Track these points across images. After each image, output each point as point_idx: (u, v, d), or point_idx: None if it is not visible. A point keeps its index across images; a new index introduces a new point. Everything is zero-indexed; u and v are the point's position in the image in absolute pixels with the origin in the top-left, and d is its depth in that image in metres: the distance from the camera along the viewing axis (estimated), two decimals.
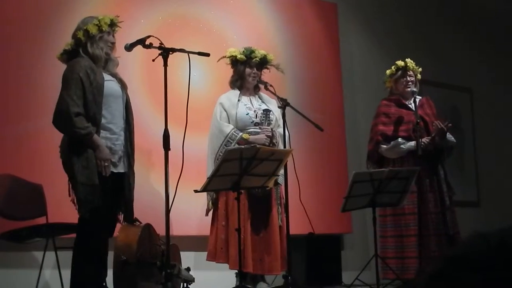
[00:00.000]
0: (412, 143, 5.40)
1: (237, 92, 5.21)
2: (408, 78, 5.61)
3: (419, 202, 5.33)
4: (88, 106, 4.02)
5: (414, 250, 5.34)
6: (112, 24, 4.30)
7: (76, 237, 4.16)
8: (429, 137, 5.38)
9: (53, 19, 5.28)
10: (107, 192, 4.06)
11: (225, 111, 5.12)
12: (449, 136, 5.53)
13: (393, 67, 5.69)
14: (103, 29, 4.21)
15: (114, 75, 4.30)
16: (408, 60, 5.65)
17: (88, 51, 4.17)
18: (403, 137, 5.46)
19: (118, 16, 4.38)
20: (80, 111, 3.97)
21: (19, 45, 5.14)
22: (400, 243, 5.40)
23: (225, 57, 5.24)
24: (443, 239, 5.33)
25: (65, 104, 3.98)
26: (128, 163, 4.30)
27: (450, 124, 5.45)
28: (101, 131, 4.09)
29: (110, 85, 4.19)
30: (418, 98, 5.65)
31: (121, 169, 4.22)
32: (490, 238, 0.88)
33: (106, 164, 4.02)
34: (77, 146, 4.01)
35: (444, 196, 5.44)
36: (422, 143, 5.33)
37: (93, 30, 4.18)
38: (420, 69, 5.71)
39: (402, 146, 5.45)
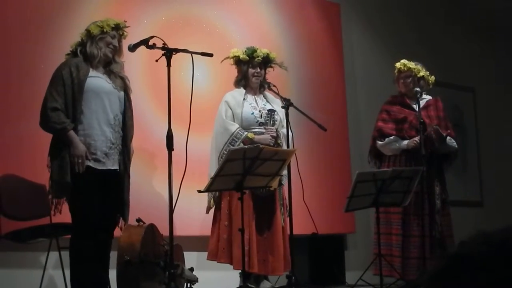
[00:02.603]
0: (405, 142, 5.45)
1: (243, 91, 5.21)
2: (403, 80, 5.63)
3: None
4: (67, 102, 4.10)
5: (397, 250, 5.36)
6: (117, 28, 4.32)
7: (70, 238, 4.21)
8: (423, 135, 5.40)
9: (55, 19, 5.29)
10: (90, 189, 4.09)
11: (231, 109, 5.11)
12: (451, 141, 5.55)
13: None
14: (105, 30, 4.25)
15: (116, 74, 4.31)
16: (402, 61, 5.65)
17: (86, 50, 4.24)
18: (398, 136, 5.51)
19: (126, 21, 4.41)
20: (58, 106, 4.07)
21: (20, 44, 5.14)
22: (389, 241, 5.42)
23: (228, 58, 5.24)
24: (428, 241, 5.31)
25: (44, 100, 4.13)
26: (122, 161, 4.30)
27: (449, 131, 5.49)
28: (79, 125, 4.13)
29: (95, 81, 4.21)
30: (427, 98, 5.67)
31: (109, 165, 4.21)
32: (492, 237, 0.88)
33: (80, 160, 4.05)
34: (56, 146, 4.12)
35: (435, 199, 5.43)
36: (415, 141, 5.36)
37: (94, 30, 4.25)
38: (419, 67, 5.67)
39: (396, 144, 5.52)
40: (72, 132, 4.07)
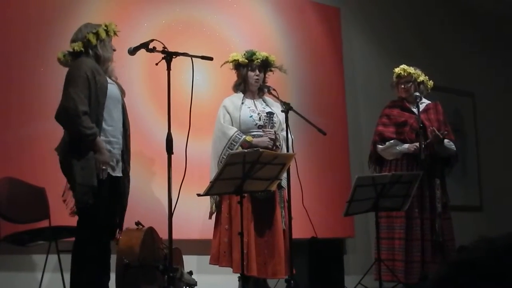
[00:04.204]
0: (406, 145, 5.47)
1: (241, 95, 5.21)
2: (403, 85, 5.64)
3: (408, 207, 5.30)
4: (91, 107, 3.98)
5: (400, 254, 5.36)
6: (113, 32, 4.33)
7: (74, 242, 4.12)
8: (424, 142, 5.40)
9: (56, 23, 5.28)
10: (104, 195, 4.05)
11: (229, 113, 5.11)
12: (449, 143, 5.54)
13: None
14: (110, 34, 4.25)
15: (114, 80, 4.31)
16: (402, 66, 5.66)
17: (98, 53, 4.18)
18: (398, 140, 5.52)
19: (116, 25, 4.38)
20: (87, 110, 3.93)
21: (21, 48, 5.14)
22: (392, 245, 5.42)
23: (228, 62, 5.24)
24: (429, 245, 5.32)
25: (72, 101, 3.92)
26: (124, 168, 4.29)
27: (445, 132, 5.48)
28: (101, 132, 4.06)
29: (111, 88, 4.17)
30: (426, 102, 5.68)
31: (118, 173, 4.20)
32: (496, 243, 0.87)
33: (104, 167, 3.99)
34: (78, 147, 3.96)
35: (436, 203, 5.43)
36: (415, 146, 5.37)
37: (102, 34, 4.21)
38: (418, 72, 5.68)
39: (396, 147, 5.53)
40: (99, 138, 3.98)
